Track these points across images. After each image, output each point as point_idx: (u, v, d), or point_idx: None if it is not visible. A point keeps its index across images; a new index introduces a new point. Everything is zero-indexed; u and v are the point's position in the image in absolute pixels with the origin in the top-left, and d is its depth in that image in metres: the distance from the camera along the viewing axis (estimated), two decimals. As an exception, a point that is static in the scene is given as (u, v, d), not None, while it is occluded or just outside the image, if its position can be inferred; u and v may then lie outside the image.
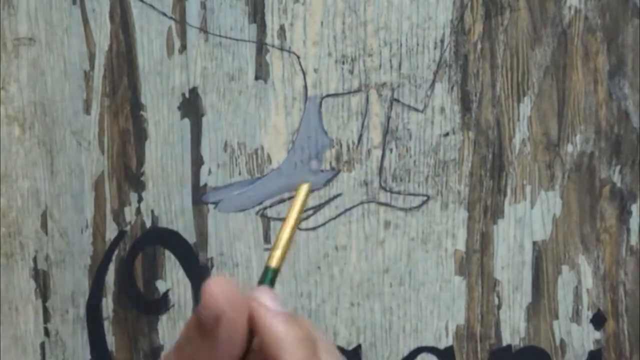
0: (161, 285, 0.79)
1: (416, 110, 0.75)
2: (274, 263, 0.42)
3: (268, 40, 0.75)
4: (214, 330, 0.38)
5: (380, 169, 0.75)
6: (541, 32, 0.73)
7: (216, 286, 0.38)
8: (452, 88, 0.74)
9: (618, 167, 0.74)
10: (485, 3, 0.73)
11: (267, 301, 0.40)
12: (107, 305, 0.79)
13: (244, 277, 0.77)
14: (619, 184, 0.74)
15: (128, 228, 0.79)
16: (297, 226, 0.43)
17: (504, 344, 0.76)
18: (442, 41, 0.74)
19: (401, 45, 0.74)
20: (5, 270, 0.80)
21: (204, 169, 0.77)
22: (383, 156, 0.75)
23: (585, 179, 0.74)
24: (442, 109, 0.74)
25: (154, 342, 0.79)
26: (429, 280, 0.76)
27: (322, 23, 0.75)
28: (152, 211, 0.78)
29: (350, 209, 0.76)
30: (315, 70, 0.75)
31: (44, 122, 0.78)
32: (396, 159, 0.75)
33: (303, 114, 0.76)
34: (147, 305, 0.79)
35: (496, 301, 0.75)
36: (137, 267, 0.79)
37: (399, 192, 0.75)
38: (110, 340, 0.80)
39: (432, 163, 0.75)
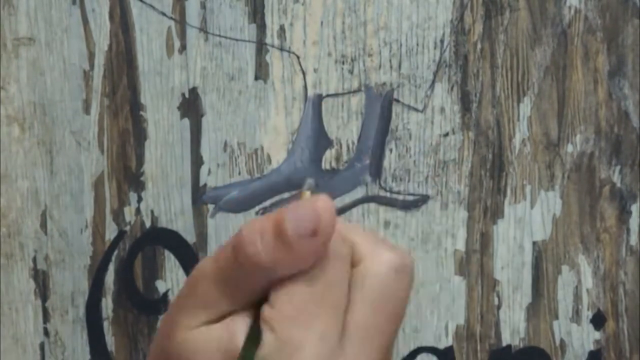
0: (161, 286, 0.78)
1: (416, 110, 0.75)
2: None
3: (268, 40, 0.75)
4: (299, 242, 0.37)
5: (380, 169, 0.75)
6: (541, 32, 0.73)
7: (325, 207, 0.37)
8: (452, 88, 0.74)
9: (618, 167, 0.74)
10: (485, 3, 0.73)
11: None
12: (107, 305, 0.79)
13: (243, 277, 0.77)
14: (618, 184, 0.74)
15: (128, 228, 0.79)
16: None
17: (504, 344, 0.76)
18: (442, 41, 0.74)
19: (401, 45, 0.74)
20: (5, 270, 0.80)
21: (203, 169, 0.77)
22: (383, 156, 0.75)
23: (585, 179, 0.74)
24: (442, 109, 0.74)
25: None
26: (428, 281, 0.76)
27: (322, 23, 0.75)
28: (152, 211, 0.78)
29: (350, 208, 0.76)
30: (315, 70, 0.75)
31: (43, 122, 0.78)
32: (396, 159, 0.75)
33: (303, 114, 0.76)
34: (146, 305, 0.79)
35: (496, 301, 0.75)
36: (137, 267, 0.79)
37: (399, 192, 0.75)
38: (110, 340, 0.79)
39: (432, 163, 0.75)
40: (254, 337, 0.38)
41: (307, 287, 0.38)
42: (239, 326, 0.38)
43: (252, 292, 0.39)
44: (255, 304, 0.39)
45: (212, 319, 0.39)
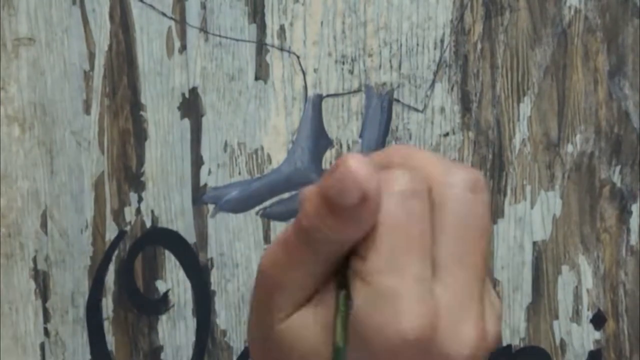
0: (161, 286, 0.79)
1: (416, 110, 0.75)
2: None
3: (268, 40, 0.75)
4: (351, 210, 0.37)
5: (380, 169, 0.75)
6: (541, 32, 0.73)
7: (359, 167, 0.37)
8: (452, 88, 0.74)
9: (618, 167, 0.74)
10: (485, 3, 0.73)
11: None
12: (107, 305, 0.79)
13: (243, 277, 0.77)
14: (619, 184, 0.74)
15: (128, 228, 0.79)
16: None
17: (504, 344, 0.76)
18: (442, 41, 0.74)
19: (401, 45, 0.74)
20: (5, 270, 0.80)
21: (204, 169, 0.77)
22: (383, 156, 0.75)
23: (585, 179, 0.74)
24: (442, 109, 0.74)
25: (153, 342, 0.79)
26: (429, 281, 0.76)
27: (322, 23, 0.75)
28: (152, 211, 0.78)
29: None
30: (315, 70, 0.75)
31: (43, 122, 0.78)
32: (396, 159, 0.75)
33: (303, 114, 0.76)
34: (147, 305, 0.79)
35: (496, 301, 0.75)
36: (137, 268, 0.79)
37: (399, 192, 0.75)
38: (110, 340, 0.80)
39: (432, 163, 0.75)
40: (344, 302, 0.37)
41: (391, 234, 0.37)
42: (330, 297, 0.38)
43: (326, 266, 0.38)
44: (333, 273, 0.39)
45: (299, 304, 0.39)
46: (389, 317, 0.37)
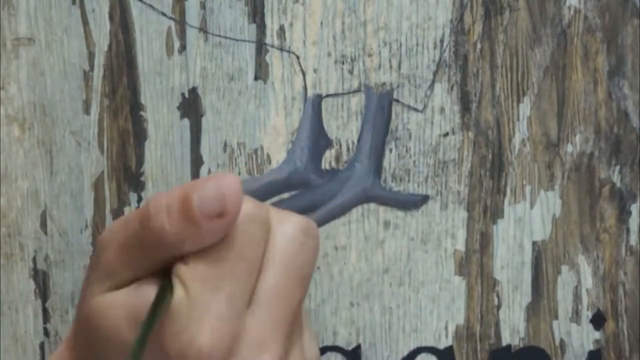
0: (161, 286, 0.78)
1: (416, 110, 0.75)
2: None
3: (268, 40, 0.75)
4: (206, 222, 0.38)
5: (380, 169, 0.75)
6: (541, 32, 0.73)
7: (234, 183, 0.38)
8: (451, 88, 0.74)
9: (618, 167, 0.74)
10: (485, 3, 0.73)
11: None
12: (107, 305, 0.79)
13: (243, 277, 0.77)
14: (618, 184, 0.74)
15: (128, 228, 0.78)
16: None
17: (504, 344, 0.76)
18: (441, 41, 0.74)
19: (401, 45, 0.74)
20: (5, 270, 0.80)
21: (203, 169, 0.77)
22: (383, 156, 0.75)
23: (585, 179, 0.74)
24: (442, 109, 0.74)
25: (153, 342, 0.79)
26: (428, 280, 0.76)
27: (321, 23, 0.75)
28: (152, 211, 0.78)
29: (350, 209, 0.76)
30: (315, 71, 0.75)
31: (43, 122, 0.78)
32: (396, 159, 0.75)
33: (303, 114, 0.76)
34: (146, 305, 0.79)
35: (496, 301, 0.75)
36: (137, 267, 0.79)
37: (399, 192, 0.75)
38: (110, 340, 0.79)
39: (432, 163, 0.75)
40: (163, 296, 0.38)
41: (221, 248, 0.38)
42: (144, 291, 0.39)
43: (156, 262, 0.39)
44: (161, 271, 0.40)
45: (117, 286, 0.40)
46: (191, 326, 0.37)
